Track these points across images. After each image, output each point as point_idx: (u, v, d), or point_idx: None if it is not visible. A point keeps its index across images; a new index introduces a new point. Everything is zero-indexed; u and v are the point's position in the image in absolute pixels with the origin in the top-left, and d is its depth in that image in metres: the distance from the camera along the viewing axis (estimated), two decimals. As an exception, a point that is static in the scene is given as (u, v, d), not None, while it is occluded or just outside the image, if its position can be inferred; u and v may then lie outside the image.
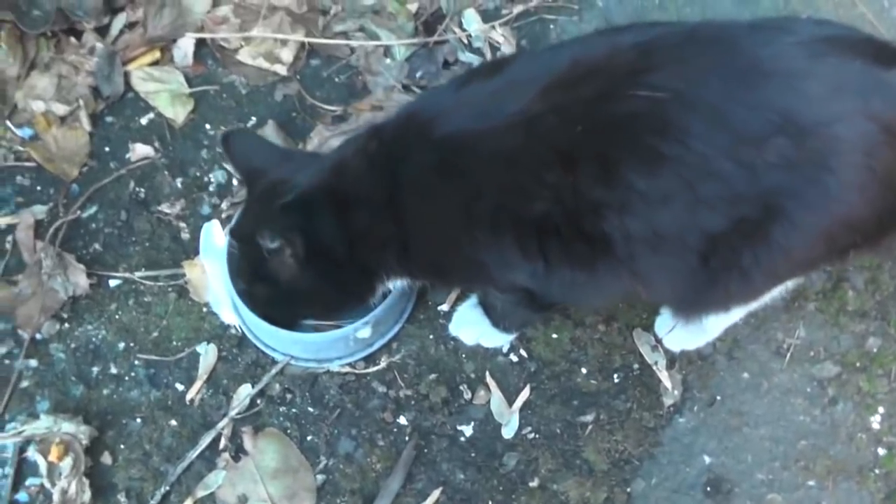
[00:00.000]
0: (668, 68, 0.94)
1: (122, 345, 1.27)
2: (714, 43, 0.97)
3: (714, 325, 1.23)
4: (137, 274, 1.32)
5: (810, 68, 0.92)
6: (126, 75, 1.47)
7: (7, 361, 1.26)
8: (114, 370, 1.26)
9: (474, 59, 1.46)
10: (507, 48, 1.45)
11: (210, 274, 1.27)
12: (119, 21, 1.50)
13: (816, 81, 0.92)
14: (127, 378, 1.26)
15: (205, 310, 1.30)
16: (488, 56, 1.47)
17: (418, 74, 1.44)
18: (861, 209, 0.95)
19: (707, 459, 1.23)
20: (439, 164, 1.01)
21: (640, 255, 0.97)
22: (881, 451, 1.25)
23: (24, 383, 1.25)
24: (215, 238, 1.27)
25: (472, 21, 1.50)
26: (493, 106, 0.99)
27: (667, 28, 1.05)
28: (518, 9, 1.51)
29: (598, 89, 0.94)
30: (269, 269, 1.10)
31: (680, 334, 1.25)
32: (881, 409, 1.27)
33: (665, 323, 1.26)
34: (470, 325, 1.25)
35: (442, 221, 1.04)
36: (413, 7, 1.50)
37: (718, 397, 1.27)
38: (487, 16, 1.52)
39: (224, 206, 1.36)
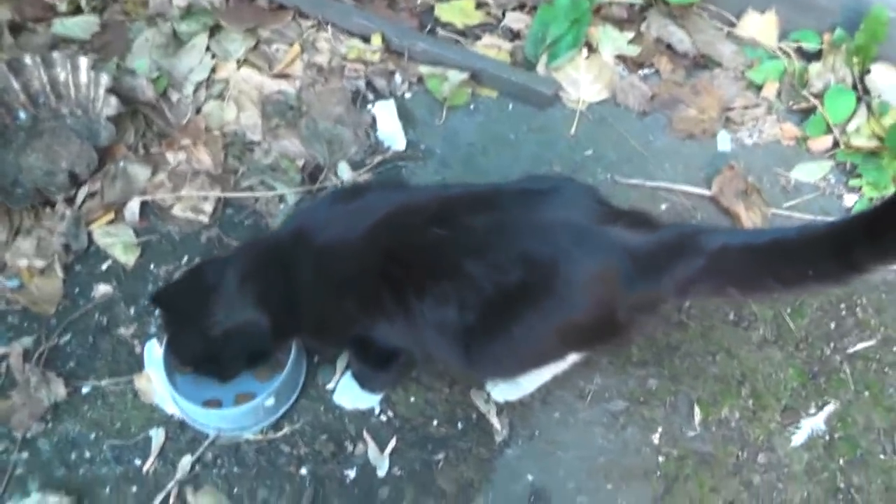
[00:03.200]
0: (456, 218, 1.31)
1: (93, 435, 1.60)
2: (490, 204, 1.34)
3: (528, 384, 1.61)
4: (103, 382, 1.65)
5: (552, 227, 1.28)
6: (89, 233, 1.80)
7: (4, 456, 1.58)
8: (87, 454, 1.58)
9: (347, 201, 1.89)
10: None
11: (154, 380, 1.63)
12: (82, 192, 1.83)
13: (553, 233, 1.27)
14: (97, 459, 1.58)
15: (154, 404, 1.64)
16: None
17: (305, 214, 1.86)
18: (580, 317, 1.30)
19: (530, 478, 1.58)
20: (316, 265, 1.38)
21: (429, 335, 1.36)
22: (660, 459, 1.59)
23: (18, 471, 1.56)
24: (155, 352, 1.63)
25: (344, 170, 1.90)
26: (349, 225, 1.37)
27: (464, 189, 1.44)
28: (378, 159, 1.93)
29: (413, 224, 1.33)
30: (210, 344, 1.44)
31: (504, 390, 1.62)
32: (660, 429, 1.62)
33: (493, 382, 1.63)
34: (347, 392, 1.63)
35: (319, 300, 1.41)
36: (300, 163, 1.91)
37: (537, 432, 1.62)
38: (355, 165, 1.92)
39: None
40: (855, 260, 1.21)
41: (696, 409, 1.66)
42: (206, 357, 1.49)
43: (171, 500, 1.55)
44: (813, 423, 1.66)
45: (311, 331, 1.50)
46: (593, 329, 1.35)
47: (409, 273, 1.34)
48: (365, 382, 1.62)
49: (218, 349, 1.46)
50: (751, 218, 1.89)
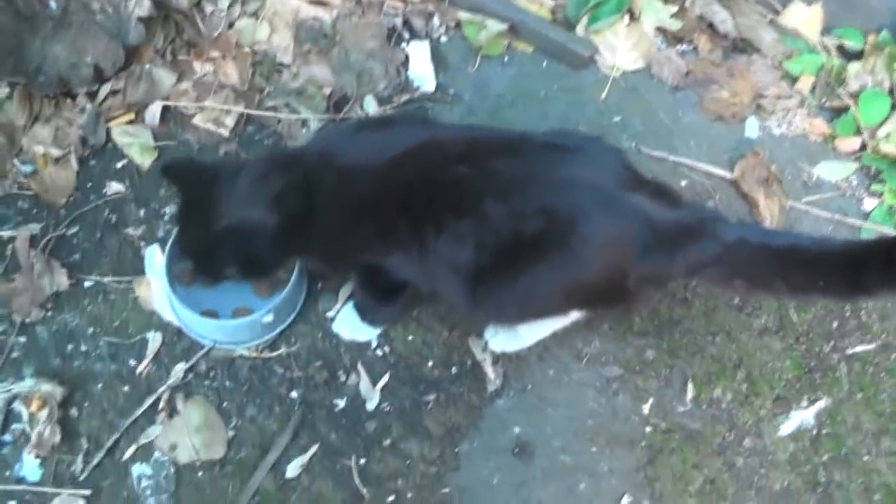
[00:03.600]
0: (481, 160, 1.32)
1: (91, 330, 1.61)
2: (517, 151, 1.35)
3: (527, 337, 1.61)
4: (106, 278, 1.66)
5: (577, 185, 1.28)
6: (108, 130, 1.81)
7: (2, 338, 1.59)
8: (84, 348, 1.60)
9: (369, 133, 1.87)
10: (394, 127, 1.87)
11: (154, 286, 1.63)
12: (105, 88, 1.84)
13: (578, 191, 1.28)
14: (93, 354, 1.59)
15: (153, 311, 1.65)
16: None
17: (327, 141, 1.85)
18: (590, 276, 1.31)
19: (517, 430, 1.59)
20: (337, 186, 1.37)
21: (439, 271, 1.36)
22: (648, 429, 1.61)
23: (15, 354, 1.58)
24: (156, 258, 1.62)
25: (370, 104, 1.89)
26: (374, 152, 1.37)
27: (492, 132, 1.45)
28: (405, 97, 1.91)
29: (437, 158, 1.35)
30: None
31: (502, 340, 1.62)
32: (651, 400, 1.63)
33: (492, 331, 1.63)
34: (346, 322, 1.63)
35: (335, 221, 1.39)
36: (327, 91, 1.89)
37: (529, 386, 1.63)
38: (382, 100, 1.90)
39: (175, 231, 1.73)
40: (865, 282, 1.24)
41: (690, 386, 1.67)
42: (204, 250, 1.43)
43: (161, 404, 1.57)
44: (803, 416, 1.67)
45: (322, 253, 1.49)
46: (601, 291, 1.36)
47: (429, 207, 1.33)
48: (366, 314, 1.62)
49: (217, 244, 1.40)
50: (769, 207, 1.88)
